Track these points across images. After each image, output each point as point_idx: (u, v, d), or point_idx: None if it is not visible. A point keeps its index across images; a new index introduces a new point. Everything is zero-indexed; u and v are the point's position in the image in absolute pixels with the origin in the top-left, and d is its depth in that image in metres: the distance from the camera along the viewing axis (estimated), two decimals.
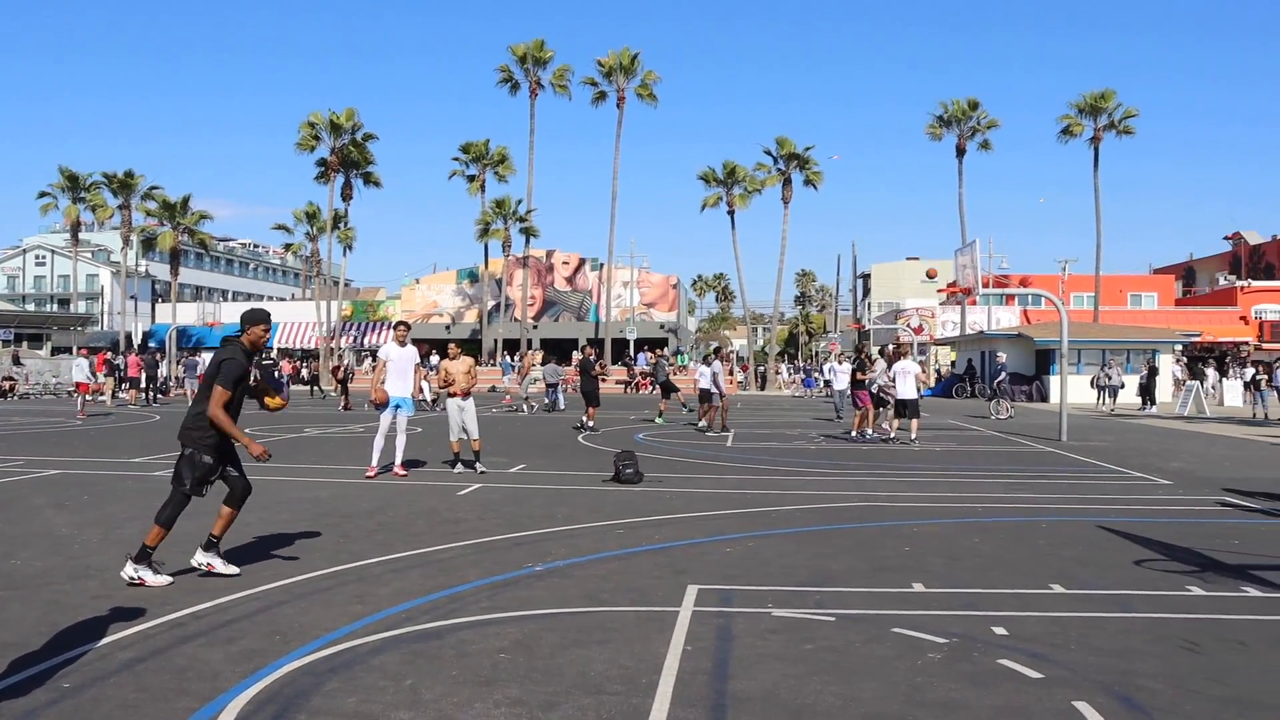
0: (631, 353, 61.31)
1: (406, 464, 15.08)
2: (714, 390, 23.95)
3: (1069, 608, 7.21)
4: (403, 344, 14.85)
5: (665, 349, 63.35)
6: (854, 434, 22.46)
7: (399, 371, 14.76)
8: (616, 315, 66.16)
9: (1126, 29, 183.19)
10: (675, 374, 49.38)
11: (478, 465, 15.12)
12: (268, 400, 8.49)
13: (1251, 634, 6.60)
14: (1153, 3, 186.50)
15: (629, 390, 52.70)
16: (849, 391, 30.22)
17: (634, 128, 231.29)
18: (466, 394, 15.27)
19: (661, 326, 69.68)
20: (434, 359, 40.27)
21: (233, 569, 7.97)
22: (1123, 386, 38.56)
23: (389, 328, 65.79)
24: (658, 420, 26.98)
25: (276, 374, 34.32)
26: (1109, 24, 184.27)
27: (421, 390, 28.64)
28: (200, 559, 7.96)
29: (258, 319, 8.24)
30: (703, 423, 24.27)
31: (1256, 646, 6.32)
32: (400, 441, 14.82)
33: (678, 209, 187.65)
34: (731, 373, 56.81)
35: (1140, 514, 11.82)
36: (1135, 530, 10.49)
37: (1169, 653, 6.15)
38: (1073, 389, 38.82)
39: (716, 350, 27.20)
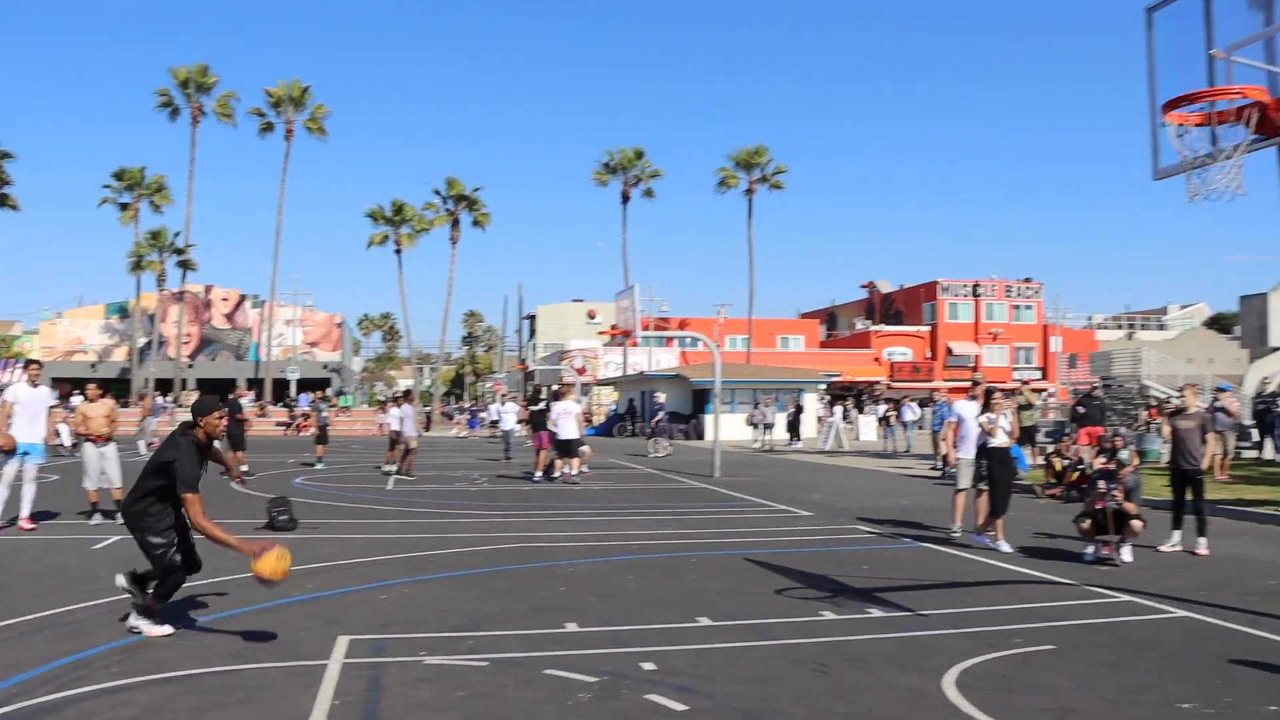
0: (293, 393, 59.19)
1: (35, 516, 13.85)
2: (405, 433, 23.53)
3: (714, 639, 7.53)
4: (34, 384, 13.69)
5: (328, 389, 61.63)
6: (538, 475, 22.51)
7: (29, 414, 13.57)
8: (278, 354, 63.80)
9: (788, 80, 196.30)
10: (337, 416, 48.14)
11: (118, 516, 14.08)
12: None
13: (873, 652, 7.13)
14: (816, 58, 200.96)
15: (289, 432, 50.77)
16: (518, 431, 30.52)
17: (302, 161, 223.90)
18: (107, 439, 14.24)
19: (325, 366, 67.84)
20: (76, 400, 37.27)
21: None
22: (774, 424, 40.83)
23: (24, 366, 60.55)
24: (317, 465, 26.14)
25: None
26: (771, 74, 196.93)
27: (58, 434, 26.47)
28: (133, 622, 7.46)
29: (210, 408, 7.69)
30: (389, 466, 23.79)
31: (876, 663, 6.83)
32: (28, 491, 13.59)
33: (345, 247, 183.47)
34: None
35: (783, 545, 12.54)
36: (778, 561, 11.11)
37: (803, 676, 6.53)
38: (728, 427, 40.75)
39: (406, 393, 26.71)
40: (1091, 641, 7.55)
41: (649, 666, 6.70)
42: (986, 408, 12.65)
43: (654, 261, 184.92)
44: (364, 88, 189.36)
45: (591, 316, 23.78)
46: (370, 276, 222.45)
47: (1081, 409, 23.42)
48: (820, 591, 9.39)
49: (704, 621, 8.11)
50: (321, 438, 27.01)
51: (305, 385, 61.38)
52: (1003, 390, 13.89)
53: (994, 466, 12.47)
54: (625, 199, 64.61)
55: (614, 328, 26.71)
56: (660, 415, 34.35)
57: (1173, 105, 6.84)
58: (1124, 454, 11.76)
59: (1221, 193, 6.69)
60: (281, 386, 61.50)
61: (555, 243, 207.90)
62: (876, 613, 8.49)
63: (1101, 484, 11.48)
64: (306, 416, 49.71)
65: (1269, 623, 8.26)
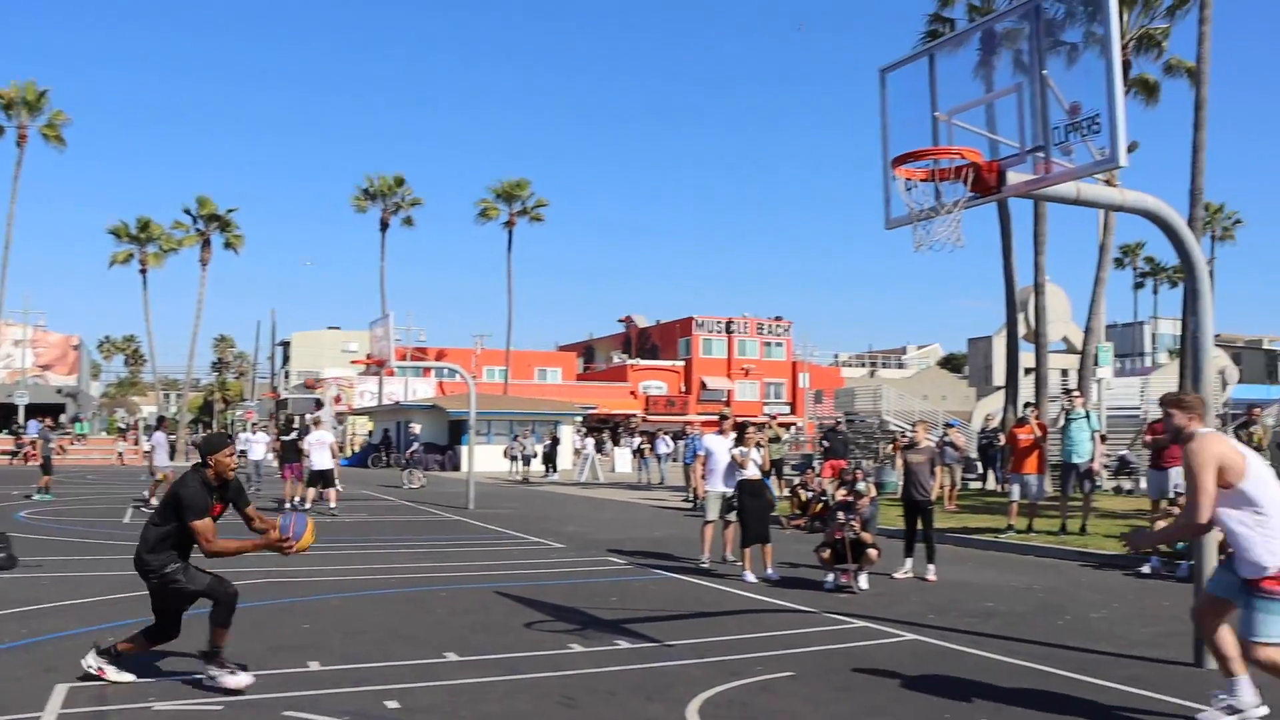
0: (21, 420, 55.17)
1: None
2: (155, 463, 22.25)
3: (462, 675, 7.44)
4: None
5: (61, 415, 57.87)
6: (289, 506, 21.83)
7: None
8: (5, 377, 59.41)
9: (543, 116, 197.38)
10: (71, 444, 45.25)
11: None
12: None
13: (619, 684, 7.21)
14: (561, 98, 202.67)
15: (16, 461, 47.31)
16: (269, 461, 29.40)
17: (37, 171, 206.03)
18: None
19: (59, 391, 63.57)
20: None
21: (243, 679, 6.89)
22: (535, 455, 40.79)
23: None
24: (37, 496, 24.39)
25: None
26: (528, 110, 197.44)
27: None
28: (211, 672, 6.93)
29: (218, 445, 7.22)
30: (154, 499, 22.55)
31: (622, 695, 6.91)
32: None
33: (85, 265, 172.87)
34: (137, 443, 52.79)
35: (534, 578, 12.53)
36: (528, 594, 11.09)
37: (548, 710, 6.53)
38: (486, 458, 40.48)
39: (161, 420, 25.21)
40: (828, 667, 7.86)
41: (393, 705, 6.55)
42: (740, 441, 13.04)
43: (413, 291, 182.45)
44: (109, 102, 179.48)
45: (319, 406, 23.13)
46: (113, 297, 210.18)
47: (826, 443, 24.47)
48: (569, 624, 9.43)
49: (451, 657, 8.00)
50: (46, 467, 25.27)
51: (36, 411, 57.33)
52: (755, 424, 14.36)
53: (745, 498, 12.84)
54: (384, 226, 63.56)
55: (369, 357, 26.20)
56: (415, 446, 33.90)
57: (901, 160, 7.31)
58: (861, 486, 12.35)
59: (943, 244, 7.19)
60: (8, 412, 57.22)
61: (312, 269, 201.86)
62: (624, 644, 8.59)
63: (840, 515, 12.00)
64: (34, 444, 46.49)
65: (985, 642, 8.81)
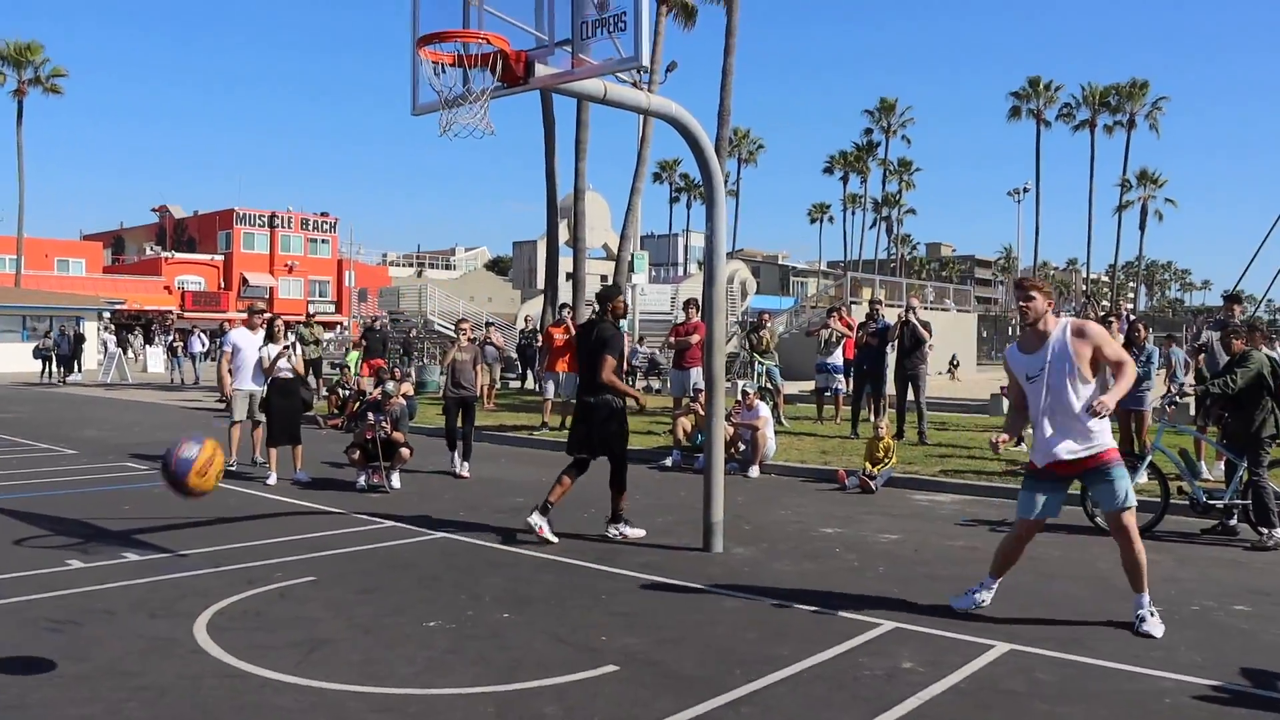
0: None
1: None
2: None
3: None
4: None
5: None
6: None
7: None
8: None
9: None
10: None
11: None
12: None
13: (121, 601, 6.67)
14: None
15: None
16: None
17: None
18: None
19: None
20: None
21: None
22: (65, 355, 37.07)
23: None
24: None
25: None
26: None
27: None
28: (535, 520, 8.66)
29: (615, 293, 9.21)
30: None
31: (123, 613, 6.39)
32: None
33: None
34: None
35: (37, 489, 11.42)
36: (26, 507, 10.07)
37: (32, 638, 5.90)
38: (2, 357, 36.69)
39: None
40: (352, 569, 7.70)
41: None
42: (270, 338, 12.45)
43: None
44: None
45: None
46: None
47: (364, 341, 24.05)
48: (71, 538, 8.61)
49: None
50: None
51: None
52: (301, 321, 13.73)
53: (274, 396, 12.29)
54: None
55: None
56: None
57: (427, 41, 7.01)
58: (390, 385, 12.19)
59: (471, 131, 7.03)
60: None
61: None
62: (132, 556, 7.97)
63: (370, 415, 11.79)
64: None
65: (512, 537, 8.99)
